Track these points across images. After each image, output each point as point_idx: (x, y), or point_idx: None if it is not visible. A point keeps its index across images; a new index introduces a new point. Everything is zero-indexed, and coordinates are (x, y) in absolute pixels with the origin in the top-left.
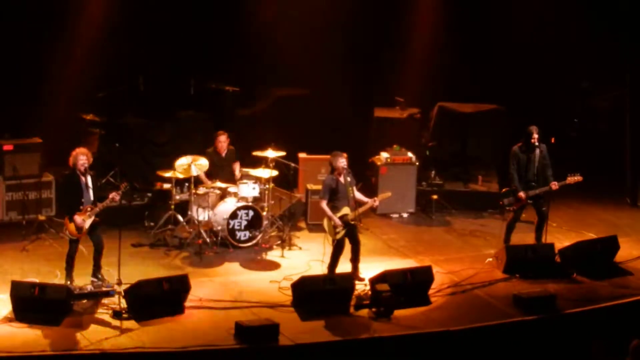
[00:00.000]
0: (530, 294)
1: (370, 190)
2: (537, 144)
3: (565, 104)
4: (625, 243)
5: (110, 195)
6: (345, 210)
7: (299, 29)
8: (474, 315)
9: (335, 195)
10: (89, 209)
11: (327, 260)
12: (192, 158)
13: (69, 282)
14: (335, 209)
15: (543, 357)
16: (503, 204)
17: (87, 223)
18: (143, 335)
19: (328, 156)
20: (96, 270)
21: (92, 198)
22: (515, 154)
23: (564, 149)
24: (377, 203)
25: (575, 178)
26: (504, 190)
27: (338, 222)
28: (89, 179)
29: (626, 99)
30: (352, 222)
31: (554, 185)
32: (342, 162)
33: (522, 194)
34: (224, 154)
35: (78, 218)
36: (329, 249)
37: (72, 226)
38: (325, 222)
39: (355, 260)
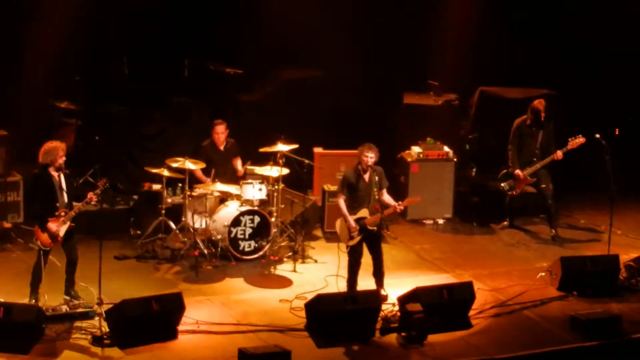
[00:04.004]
0: (591, 315)
1: (398, 191)
2: (545, 120)
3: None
4: None
5: (88, 196)
6: (364, 212)
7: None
8: (523, 340)
9: (354, 193)
10: (63, 213)
11: (346, 274)
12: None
13: (33, 301)
14: (351, 209)
15: None
16: (503, 188)
17: (62, 230)
18: None
19: (347, 151)
20: (69, 286)
21: (66, 201)
22: (518, 128)
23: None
24: (401, 208)
25: (577, 140)
26: (502, 172)
27: (352, 224)
28: (63, 178)
29: None
30: (370, 228)
31: (558, 154)
32: (368, 157)
33: (518, 172)
34: (222, 148)
35: (52, 225)
36: (344, 261)
37: (44, 236)
38: (338, 224)
39: (377, 274)
